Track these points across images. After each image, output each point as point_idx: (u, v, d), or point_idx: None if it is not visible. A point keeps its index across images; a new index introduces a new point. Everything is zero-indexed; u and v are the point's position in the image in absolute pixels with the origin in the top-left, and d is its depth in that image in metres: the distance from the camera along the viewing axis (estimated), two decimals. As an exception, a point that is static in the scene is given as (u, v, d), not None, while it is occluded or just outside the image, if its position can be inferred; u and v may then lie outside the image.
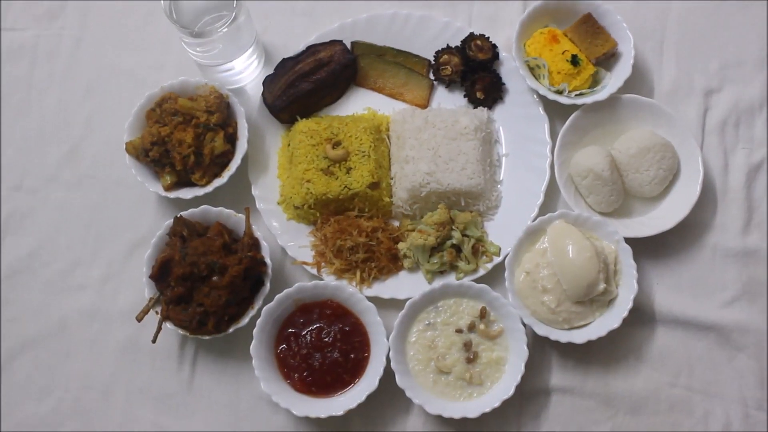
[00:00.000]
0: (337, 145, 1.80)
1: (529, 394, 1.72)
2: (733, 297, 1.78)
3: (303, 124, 1.85)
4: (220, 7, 1.71)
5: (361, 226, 1.77)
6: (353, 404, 1.62)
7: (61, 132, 1.97)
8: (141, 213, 1.89)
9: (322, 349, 1.67)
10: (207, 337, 1.67)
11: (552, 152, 1.81)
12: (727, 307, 1.77)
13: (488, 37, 1.91)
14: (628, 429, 1.71)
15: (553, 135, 1.83)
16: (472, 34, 1.91)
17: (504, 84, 1.91)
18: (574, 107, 1.82)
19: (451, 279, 1.76)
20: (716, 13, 2.00)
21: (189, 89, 1.84)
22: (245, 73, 1.92)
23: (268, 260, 1.70)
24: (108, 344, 1.81)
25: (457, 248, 1.78)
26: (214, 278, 1.63)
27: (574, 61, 1.82)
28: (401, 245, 1.79)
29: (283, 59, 1.90)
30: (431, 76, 1.95)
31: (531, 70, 1.88)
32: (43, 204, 1.92)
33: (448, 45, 1.93)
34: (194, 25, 1.71)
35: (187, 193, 1.78)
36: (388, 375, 1.63)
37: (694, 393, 1.73)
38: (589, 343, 1.65)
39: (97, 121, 1.97)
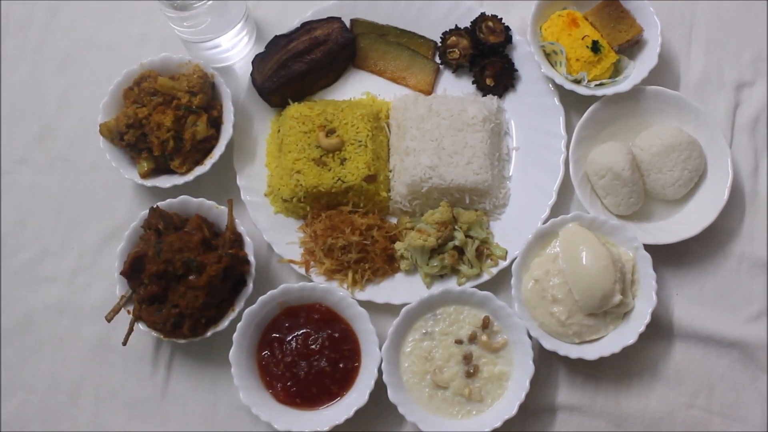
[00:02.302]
0: (331, 132, 1.75)
1: (533, 411, 1.67)
2: (759, 311, 1.72)
3: (294, 109, 1.79)
4: (206, -24, 1.65)
5: (354, 222, 1.71)
6: (340, 419, 1.57)
7: (33, 110, 1.92)
8: (116, 201, 1.85)
9: (308, 357, 1.61)
10: (182, 341, 1.61)
11: (567, 147, 1.76)
12: (752, 323, 1.72)
13: (501, 19, 1.86)
14: (640, 452, 1.66)
15: (569, 128, 1.78)
16: (483, 14, 1.86)
17: (516, 70, 1.86)
18: (593, 98, 1.77)
19: (452, 284, 1.71)
20: (750, -1, 1.96)
21: (171, 67, 1.80)
22: (233, 51, 1.87)
23: (251, 258, 1.66)
24: (77, 343, 1.77)
25: (460, 250, 1.72)
26: (191, 277, 1.58)
27: (595, 47, 1.77)
28: (398, 245, 1.73)
29: (276, 36, 1.84)
30: (437, 60, 1.90)
31: (547, 56, 1.83)
32: (11, 187, 1.89)
33: (456, 26, 1.88)
34: (177, -3, 1.67)
35: (165, 182, 1.74)
36: (379, 388, 1.58)
37: (713, 415, 1.68)
38: (601, 358, 1.59)
39: (72, 99, 1.94)
